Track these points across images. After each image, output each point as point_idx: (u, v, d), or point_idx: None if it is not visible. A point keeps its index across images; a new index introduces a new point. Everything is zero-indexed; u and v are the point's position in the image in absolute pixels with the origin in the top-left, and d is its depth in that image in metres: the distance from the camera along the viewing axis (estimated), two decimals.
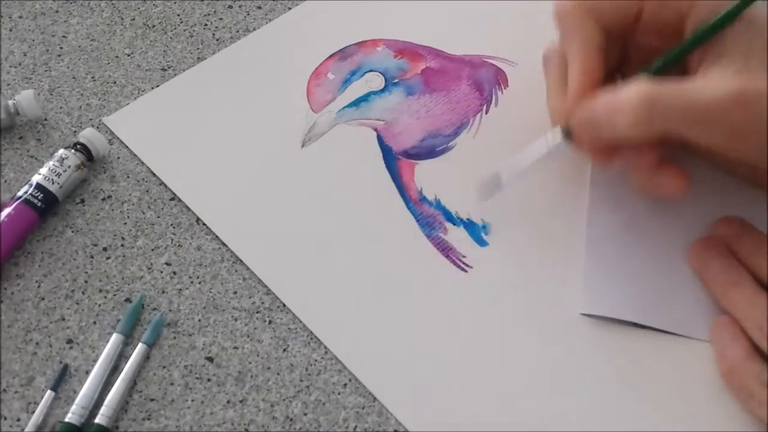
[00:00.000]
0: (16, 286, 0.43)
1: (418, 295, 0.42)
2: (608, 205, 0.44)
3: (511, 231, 0.44)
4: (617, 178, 0.44)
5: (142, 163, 0.48)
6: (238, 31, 0.54)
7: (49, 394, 0.39)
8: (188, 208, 0.46)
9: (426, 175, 0.46)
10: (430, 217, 0.45)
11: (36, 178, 0.45)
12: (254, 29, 0.54)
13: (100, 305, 0.42)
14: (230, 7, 0.55)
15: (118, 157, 0.48)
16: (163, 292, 0.43)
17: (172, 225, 0.45)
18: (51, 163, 0.45)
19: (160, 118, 0.49)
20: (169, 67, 0.52)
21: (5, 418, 0.39)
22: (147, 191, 0.47)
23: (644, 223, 0.43)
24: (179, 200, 0.46)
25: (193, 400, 0.40)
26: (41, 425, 0.39)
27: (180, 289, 0.43)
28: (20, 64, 0.52)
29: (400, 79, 0.50)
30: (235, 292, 0.43)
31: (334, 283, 0.43)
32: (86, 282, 0.43)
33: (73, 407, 0.39)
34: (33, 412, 0.39)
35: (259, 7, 0.55)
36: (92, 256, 0.44)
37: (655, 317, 0.40)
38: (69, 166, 0.45)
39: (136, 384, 0.40)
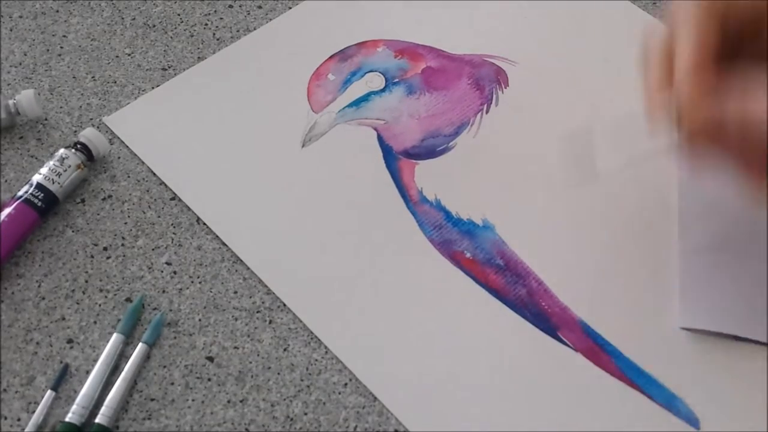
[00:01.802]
0: (16, 286, 0.43)
1: (418, 296, 0.42)
2: (700, 213, 0.43)
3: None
4: (709, 185, 0.42)
5: (143, 162, 0.48)
6: (238, 31, 0.54)
7: (49, 393, 0.39)
8: (188, 208, 0.46)
9: (426, 175, 0.46)
10: (430, 217, 0.45)
11: (36, 178, 0.45)
12: (254, 29, 0.54)
13: (100, 305, 0.42)
14: (231, 6, 0.55)
15: (119, 157, 0.48)
16: (164, 291, 0.43)
17: (172, 225, 0.45)
18: (51, 162, 0.45)
19: (160, 118, 0.49)
20: (169, 67, 0.52)
21: (5, 418, 0.39)
22: (147, 191, 0.47)
23: (740, 231, 0.42)
24: (179, 200, 0.46)
25: (193, 400, 0.40)
26: (41, 425, 0.39)
27: (180, 289, 0.43)
28: (20, 64, 0.52)
29: (401, 79, 0.50)
30: (236, 292, 0.43)
31: (334, 283, 0.43)
32: (87, 282, 0.43)
33: (74, 407, 0.39)
34: (33, 411, 0.39)
35: (260, 7, 0.55)
36: (92, 256, 0.44)
37: (758, 330, 0.39)
38: (69, 166, 0.45)
39: (136, 384, 0.40)
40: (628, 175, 0.46)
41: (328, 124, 0.49)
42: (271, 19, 0.54)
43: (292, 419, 0.39)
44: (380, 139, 0.48)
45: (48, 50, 0.53)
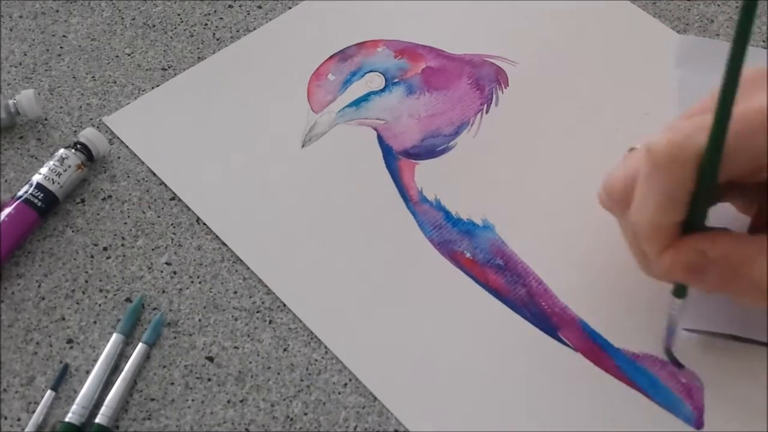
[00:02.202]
0: (16, 286, 0.43)
1: (418, 296, 0.42)
2: None
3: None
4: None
5: (142, 162, 0.48)
6: (238, 31, 0.54)
7: (49, 393, 0.39)
8: (188, 208, 0.46)
9: (426, 175, 0.46)
10: (430, 217, 0.45)
11: (36, 178, 0.45)
12: (254, 29, 0.54)
13: (100, 305, 0.42)
14: (230, 6, 0.55)
15: (119, 157, 0.48)
16: (164, 291, 0.43)
17: (172, 225, 0.45)
18: (51, 162, 0.45)
19: (160, 118, 0.49)
20: (169, 67, 0.52)
21: (5, 418, 0.39)
22: (147, 191, 0.47)
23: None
24: (179, 200, 0.46)
25: (193, 400, 0.40)
26: (41, 425, 0.39)
27: (180, 289, 0.43)
28: (20, 64, 0.52)
29: (401, 79, 0.50)
30: (236, 292, 0.43)
31: (334, 283, 0.43)
32: (86, 282, 0.43)
33: (74, 407, 0.39)
34: (33, 411, 0.39)
35: (260, 7, 0.55)
36: (92, 256, 0.44)
37: (759, 330, 0.39)
38: (69, 166, 0.45)
39: (136, 384, 0.40)
40: None
41: (328, 124, 0.49)
42: (271, 19, 0.54)
43: (292, 419, 0.39)
44: (380, 139, 0.48)
45: (48, 50, 0.53)
